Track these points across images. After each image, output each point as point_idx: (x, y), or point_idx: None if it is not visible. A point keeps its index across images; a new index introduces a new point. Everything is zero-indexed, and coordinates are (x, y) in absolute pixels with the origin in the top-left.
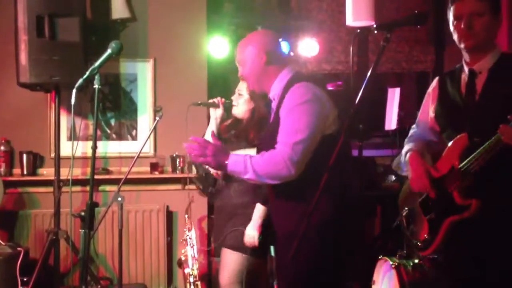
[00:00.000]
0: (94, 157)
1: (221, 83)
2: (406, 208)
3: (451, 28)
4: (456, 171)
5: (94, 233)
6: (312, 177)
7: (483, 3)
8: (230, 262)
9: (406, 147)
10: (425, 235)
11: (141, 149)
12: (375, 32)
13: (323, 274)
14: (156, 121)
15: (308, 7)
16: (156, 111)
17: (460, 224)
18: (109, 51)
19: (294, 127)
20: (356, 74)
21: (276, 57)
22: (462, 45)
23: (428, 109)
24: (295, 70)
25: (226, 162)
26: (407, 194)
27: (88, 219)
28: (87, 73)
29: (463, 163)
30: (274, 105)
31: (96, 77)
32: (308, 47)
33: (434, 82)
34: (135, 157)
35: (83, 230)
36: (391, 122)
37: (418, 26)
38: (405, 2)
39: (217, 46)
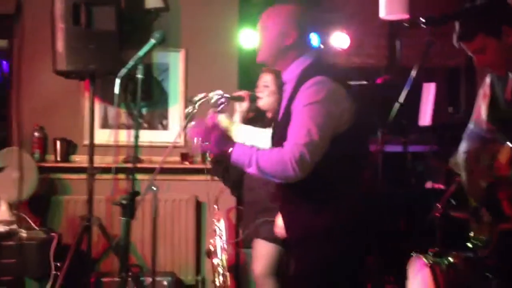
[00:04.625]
0: (137, 146)
1: (251, 74)
2: (473, 205)
3: None
4: (509, 181)
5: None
6: (321, 178)
7: (474, 42)
8: (265, 253)
9: (463, 146)
10: (484, 236)
11: (176, 139)
12: (423, 26)
13: (339, 275)
14: (190, 112)
15: None
16: (189, 101)
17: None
18: (152, 41)
19: (305, 127)
20: (386, 68)
21: (302, 41)
22: None
23: (480, 108)
24: (314, 58)
25: (230, 151)
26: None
27: (130, 207)
28: (131, 62)
29: None
30: (287, 88)
31: (139, 67)
32: (339, 40)
33: (487, 80)
34: (170, 147)
35: (124, 218)
36: (426, 117)
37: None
38: None
39: (247, 37)
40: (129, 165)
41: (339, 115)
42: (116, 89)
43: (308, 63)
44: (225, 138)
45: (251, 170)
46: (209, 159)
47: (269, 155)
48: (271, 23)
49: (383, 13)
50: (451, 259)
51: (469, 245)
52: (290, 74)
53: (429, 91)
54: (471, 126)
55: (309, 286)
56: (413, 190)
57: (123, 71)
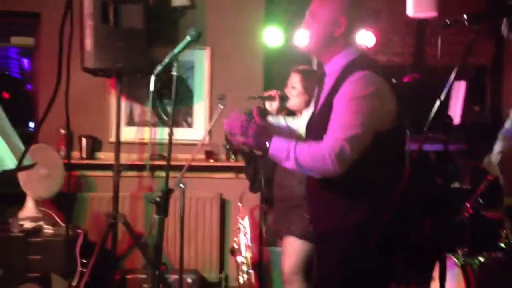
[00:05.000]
0: (170, 144)
1: (276, 73)
2: (508, 204)
3: None
4: None
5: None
6: (357, 175)
7: None
8: (295, 250)
9: (498, 146)
10: None
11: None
12: (466, 24)
13: (363, 274)
14: (221, 109)
15: None
16: (219, 99)
17: None
18: (188, 38)
19: (348, 122)
20: (413, 66)
21: (352, 32)
22: None
23: None
24: (360, 52)
25: (268, 145)
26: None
27: (163, 205)
28: (167, 60)
29: None
30: (328, 81)
31: (175, 64)
32: (364, 37)
33: None
34: (198, 145)
35: (157, 216)
36: (455, 116)
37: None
38: None
39: (272, 35)
40: (157, 162)
41: (384, 113)
42: (151, 86)
43: (353, 57)
44: (262, 132)
45: (289, 164)
46: (232, 156)
47: (308, 149)
48: (323, 10)
49: (411, 11)
50: (482, 259)
51: (502, 245)
52: (334, 66)
53: (459, 89)
54: (507, 125)
55: (334, 283)
56: (440, 189)
57: (159, 68)
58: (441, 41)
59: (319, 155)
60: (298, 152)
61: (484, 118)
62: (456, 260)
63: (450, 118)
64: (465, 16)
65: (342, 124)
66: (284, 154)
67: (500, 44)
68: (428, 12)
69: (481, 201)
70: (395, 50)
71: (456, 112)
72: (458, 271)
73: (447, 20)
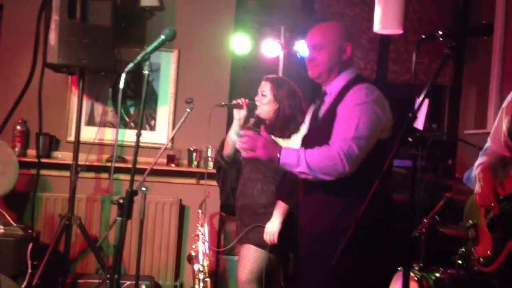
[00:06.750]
0: (137, 145)
1: (242, 81)
2: (470, 221)
3: None
4: None
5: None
6: (354, 180)
7: None
8: (251, 258)
9: (478, 161)
10: (488, 252)
11: (170, 139)
12: (441, 39)
13: (356, 273)
14: (187, 113)
15: (332, 10)
16: (187, 102)
17: None
18: (162, 37)
19: (354, 124)
20: (375, 82)
21: (350, 56)
22: None
23: (502, 124)
24: (357, 71)
25: (278, 155)
26: (473, 207)
27: (127, 207)
28: (139, 58)
29: None
30: (328, 99)
31: (147, 63)
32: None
33: (510, 96)
34: (161, 149)
35: (120, 218)
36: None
37: (485, 37)
38: (428, 13)
39: (240, 43)
40: (116, 164)
41: (385, 121)
42: (121, 84)
43: (353, 76)
44: (271, 143)
45: (301, 169)
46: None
47: (317, 152)
48: (327, 41)
49: (377, 27)
50: (437, 275)
51: (459, 261)
52: (336, 85)
53: (423, 106)
54: (487, 144)
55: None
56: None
57: (130, 66)
58: (403, 58)
59: (329, 156)
60: (308, 156)
61: (441, 136)
62: (412, 274)
63: (420, 132)
64: (440, 32)
65: (348, 126)
66: (295, 160)
67: (459, 66)
68: (394, 29)
69: (437, 218)
70: (358, 65)
71: (419, 128)
72: (414, 285)
73: (423, 35)
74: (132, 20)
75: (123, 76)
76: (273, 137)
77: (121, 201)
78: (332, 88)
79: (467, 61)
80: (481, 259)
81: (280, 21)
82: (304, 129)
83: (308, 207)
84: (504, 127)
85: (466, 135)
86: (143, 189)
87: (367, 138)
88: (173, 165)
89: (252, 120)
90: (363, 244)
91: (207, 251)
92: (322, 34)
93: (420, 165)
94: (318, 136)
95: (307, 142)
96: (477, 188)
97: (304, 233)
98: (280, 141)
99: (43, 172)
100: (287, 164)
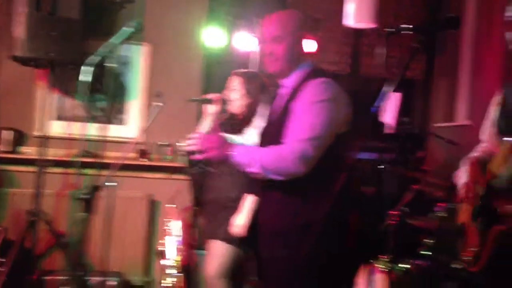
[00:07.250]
0: (105, 140)
1: (215, 75)
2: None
3: None
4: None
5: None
6: (311, 177)
7: None
8: (220, 254)
9: (470, 155)
10: (474, 248)
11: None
12: (410, 32)
13: (315, 270)
14: (158, 107)
15: (305, 3)
16: (156, 96)
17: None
18: (129, 29)
19: (310, 124)
20: (349, 75)
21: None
22: None
23: (490, 114)
24: (314, 64)
25: (232, 153)
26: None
27: (89, 202)
28: (106, 50)
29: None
30: (283, 92)
31: (113, 55)
32: (307, 44)
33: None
34: (131, 143)
35: (82, 213)
36: (391, 125)
37: (454, 30)
38: (403, 8)
39: (213, 36)
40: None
41: (342, 116)
42: (89, 77)
43: (309, 69)
44: (224, 142)
45: (254, 169)
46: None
47: (271, 153)
48: (285, 32)
49: (351, 21)
50: (406, 266)
51: (427, 252)
52: (291, 78)
53: (395, 100)
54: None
55: (287, 280)
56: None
57: (95, 59)
58: (376, 52)
59: (283, 157)
60: (262, 157)
61: (412, 129)
62: (381, 266)
63: (384, 126)
64: (410, 26)
65: (303, 126)
66: (248, 160)
67: (431, 61)
68: (368, 23)
69: (406, 209)
70: (331, 58)
71: (392, 122)
72: (383, 276)
73: (393, 28)
74: (101, 12)
75: (91, 69)
76: (227, 135)
77: (83, 196)
78: (289, 81)
79: (437, 55)
80: (469, 258)
81: (255, 13)
82: (257, 122)
83: (266, 205)
84: (492, 114)
85: (436, 128)
86: (112, 184)
87: (323, 138)
88: (144, 159)
89: (223, 115)
90: (329, 239)
91: (180, 246)
92: (282, 24)
93: (391, 158)
94: (274, 132)
95: (262, 139)
96: (464, 181)
97: (263, 231)
98: (236, 138)
99: (10, 167)
100: (241, 164)
